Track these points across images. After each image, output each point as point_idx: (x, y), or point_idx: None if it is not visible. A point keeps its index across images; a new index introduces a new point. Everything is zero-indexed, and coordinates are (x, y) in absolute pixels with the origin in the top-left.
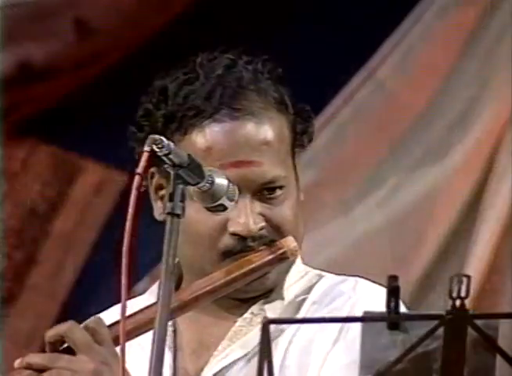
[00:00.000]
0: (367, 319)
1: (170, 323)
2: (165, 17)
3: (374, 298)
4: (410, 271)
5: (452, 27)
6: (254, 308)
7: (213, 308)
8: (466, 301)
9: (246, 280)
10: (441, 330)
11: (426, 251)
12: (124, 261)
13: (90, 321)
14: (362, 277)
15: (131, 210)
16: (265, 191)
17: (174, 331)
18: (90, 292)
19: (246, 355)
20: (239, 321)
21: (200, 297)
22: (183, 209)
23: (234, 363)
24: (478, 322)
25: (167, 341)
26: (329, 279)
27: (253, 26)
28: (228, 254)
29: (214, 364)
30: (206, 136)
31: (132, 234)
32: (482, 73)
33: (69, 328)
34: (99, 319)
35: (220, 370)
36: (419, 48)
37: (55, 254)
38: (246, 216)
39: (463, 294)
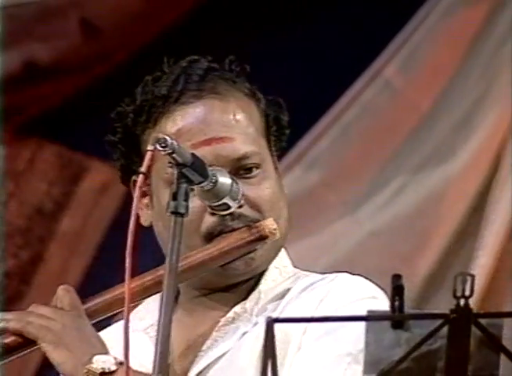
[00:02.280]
0: (371, 318)
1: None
2: (171, 16)
3: (347, 288)
4: (416, 271)
5: (457, 27)
6: (237, 307)
7: (200, 308)
8: (471, 301)
9: (226, 259)
10: (445, 329)
11: (431, 252)
12: (128, 260)
13: (60, 288)
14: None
15: (134, 209)
16: (241, 171)
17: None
18: (96, 292)
19: (226, 352)
20: (222, 321)
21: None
22: (187, 208)
23: (217, 360)
24: (482, 321)
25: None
26: (313, 277)
27: (259, 25)
28: (209, 238)
29: (199, 363)
30: (174, 120)
31: (136, 233)
32: (488, 73)
33: (29, 311)
34: (68, 287)
35: (204, 368)
36: (424, 48)
37: (61, 254)
38: None
39: (467, 293)
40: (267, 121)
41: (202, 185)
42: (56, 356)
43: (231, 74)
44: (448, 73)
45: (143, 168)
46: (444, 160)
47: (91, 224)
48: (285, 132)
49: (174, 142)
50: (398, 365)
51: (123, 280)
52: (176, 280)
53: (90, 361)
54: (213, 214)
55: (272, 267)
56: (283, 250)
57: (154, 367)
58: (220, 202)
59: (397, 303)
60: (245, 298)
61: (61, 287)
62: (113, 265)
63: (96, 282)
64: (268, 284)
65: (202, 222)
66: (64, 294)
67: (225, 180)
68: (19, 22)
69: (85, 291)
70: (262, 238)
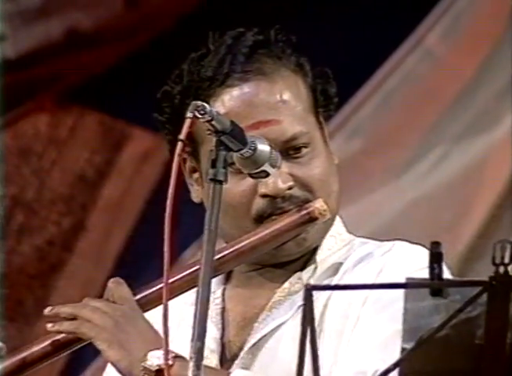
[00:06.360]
0: (410, 285)
1: (219, 301)
2: None
3: (405, 258)
4: (458, 239)
5: None
6: (293, 278)
7: (256, 280)
8: (510, 268)
9: (277, 242)
10: (484, 297)
11: (474, 220)
12: (167, 228)
13: (110, 281)
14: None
15: (173, 176)
16: (290, 151)
17: (223, 309)
18: (138, 260)
19: (282, 324)
20: (278, 292)
21: (227, 261)
22: (225, 175)
23: (272, 331)
24: None
25: (214, 319)
26: (370, 245)
27: None
28: (260, 220)
29: (255, 334)
30: (221, 103)
31: (175, 201)
32: None
33: (83, 303)
34: (119, 279)
35: (260, 340)
36: (467, 16)
37: (103, 222)
38: (274, 176)
39: (506, 260)
40: (314, 95)
41: (241, 152)
42: (112, 355)
43: (277, 48)
44: (490, 40)
45: (182, 136)
46: (486, 128)
47: (132, 192)
48: (333, 102)
49: (213, 110)
50: (436, 332)
51: (163, 247)
52: (215, 248)
53: (145, 357)
54: (263, 196)
55: (327, 236)
56: (337, 217)
57: (193, 334)
58: (259, 169)
59: (436, 270)
60: (301, 268)
61: (112, 279)
62: (154, 234)
63: (137, 250)
64: (324, 253)
65: (252, 204)
66: (115, 287)
67: (263, 147)
68: None
69: (126, 258)
70: (312, 220)
